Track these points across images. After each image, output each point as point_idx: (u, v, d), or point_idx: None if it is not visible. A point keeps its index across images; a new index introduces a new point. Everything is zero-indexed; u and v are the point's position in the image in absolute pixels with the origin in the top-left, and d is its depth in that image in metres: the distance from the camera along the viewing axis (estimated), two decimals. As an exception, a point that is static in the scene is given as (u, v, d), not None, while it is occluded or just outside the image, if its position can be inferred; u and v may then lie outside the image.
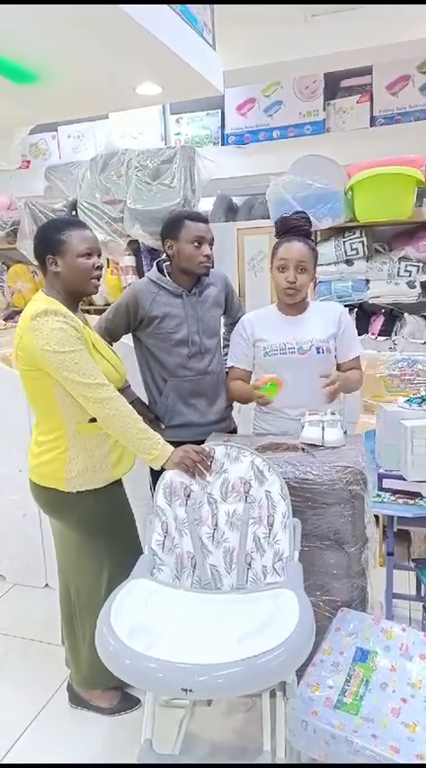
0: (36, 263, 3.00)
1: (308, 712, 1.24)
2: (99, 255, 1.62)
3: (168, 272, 1.94)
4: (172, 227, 1.89)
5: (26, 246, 3.22)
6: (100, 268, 1.61)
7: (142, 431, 1.55)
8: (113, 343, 1.98)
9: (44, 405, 1.60)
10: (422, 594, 2.14)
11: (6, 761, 1.68)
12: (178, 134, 3.81)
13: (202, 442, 1.69)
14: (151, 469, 1.93)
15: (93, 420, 1.57)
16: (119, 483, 1.75)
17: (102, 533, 1.70)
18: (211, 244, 1.90)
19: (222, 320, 2.13)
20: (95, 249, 1.60)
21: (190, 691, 1.05)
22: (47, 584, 2.57)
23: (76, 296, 1.64)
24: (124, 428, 1.53)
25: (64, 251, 1.56)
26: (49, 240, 1.57)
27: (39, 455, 1.64)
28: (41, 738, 1.76)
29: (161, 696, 1.59)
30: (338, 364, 1.92)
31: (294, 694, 1.29)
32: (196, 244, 1.85)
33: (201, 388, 1.94)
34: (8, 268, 3.57)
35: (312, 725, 1.22)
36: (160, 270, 1.95)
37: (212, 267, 1.93)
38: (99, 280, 1.62)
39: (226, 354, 2.12)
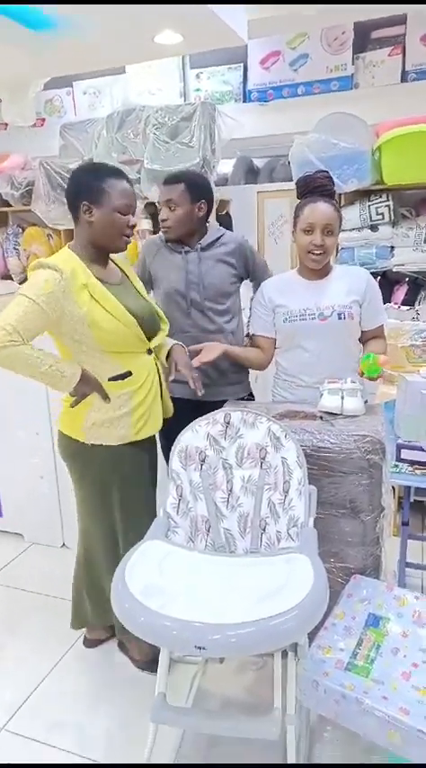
0: (50, 226, 2.89)
1: (319, 673, 1.26)
2: (134, 214, 1.57)
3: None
4: None
5: (41, 208, 3.16)
6: (133, 227, 1.57)
7: (47, 368, 1.45)
8: None
9: (68, 359, 1.59)
10: (435, 564, 2.15)
11: (24, 710, 1.74)
12: (198, 90, 3.66)
13: (207, 402, 1.68)
14: (161, 436, 1.94)
15: (114, 378, 1.57)
16: (141, 445, 1.68)
17: (114, 491, 1.67)
18: (170, 206, 1.85)
19: (250, 285, 2.09)
20: (133, 207, 1.56)
21: (204, 648, 1.07)
22: (64, 544, 2.64)
23: (103, 250, 1.59)
24: (25, 368, 1.45)
25: (102, 201, 1.50)
26: (88, 186, 1.51)
27: (66, 401, 1.64)
28: (57, 690, 1.82)
29: (175, 653, 1.63)
30: (362, 332, 1.87)
31: (305, 655, 1.31)
32: (160, 207, 1.89)
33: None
34: (23, 231, 3.52)
35: (322, 685, 1.24)
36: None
37: (172, 230, 1.88)
38: (130, 239, 1.59)
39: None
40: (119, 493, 1.68)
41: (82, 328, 1.50)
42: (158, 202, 1.88)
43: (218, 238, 1.95)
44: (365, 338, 1.88)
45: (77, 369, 1.52)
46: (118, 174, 1.54)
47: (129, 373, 1.59)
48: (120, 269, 1.71)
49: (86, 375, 1.54)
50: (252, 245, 2.06)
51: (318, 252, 1.74)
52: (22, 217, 3.55)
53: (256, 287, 2.07)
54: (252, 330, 1.94)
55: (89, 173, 1.54)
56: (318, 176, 1.81)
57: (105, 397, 1.57)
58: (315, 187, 1.78)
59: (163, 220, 1.88)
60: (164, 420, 1.76)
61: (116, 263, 1.70)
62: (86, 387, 1.54)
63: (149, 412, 1.65)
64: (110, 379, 1.57)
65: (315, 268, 1.80)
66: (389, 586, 1.50)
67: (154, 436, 1.75)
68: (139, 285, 1.74)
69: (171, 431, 1.61)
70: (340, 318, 1.78)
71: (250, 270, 2.03)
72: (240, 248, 1.98)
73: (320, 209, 1.73)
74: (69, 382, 1.50)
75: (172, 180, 1.88)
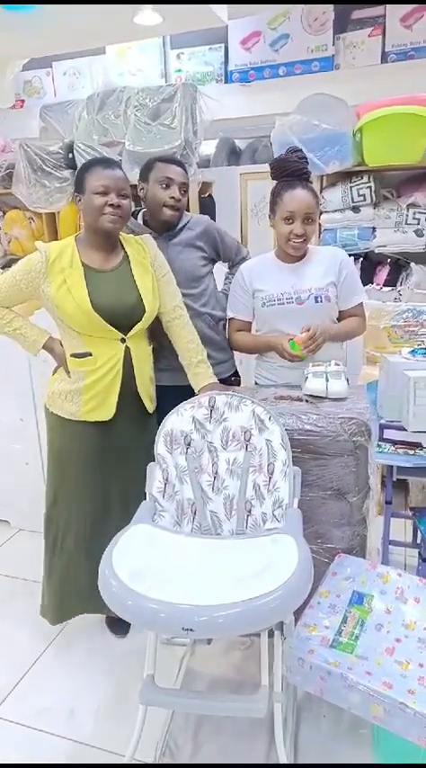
0: (32, 209, 2.93)
1: (305, 650, 1.28)
2: (123, 196, 1.63)
3: (145, 220, 1.93)
4: (144, 169, 1.88)
5: (22, 191, 3.09)
6: (116, 206, 1.62)
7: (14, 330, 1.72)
8: None
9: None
10: (418, 541, 2.19)
11: (13, 696, 1.75)
12: (179, 71, 3.60)
13: (187, 387, 1.71)
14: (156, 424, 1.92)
15: (75, 355, 1.68)
16: (90, 429, 1.71)
17: (58, 463, 1.79)
18: (183, 189, 1.85)
19: (224, 268, 2.07)
20: (113, 188, 1.62)
21: (191, 630, 1.08)
22: (50, 531, 2.63)
23: (96, 232, 1.67)
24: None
25: (84, 188, 1.64)
26: (77, 178, 1.68)
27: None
28: (46, 674, 1.83)
29: (162, 635, 1.65)
30: (340, 312, 1.88)
31: (291, 634, 1.33)
32: (163, 185, 1.83)
33: None
34: (4, 214, 3.44)
35: (308, 662, 1.26)
36: (135, 216, 1.95)
37: (180, 211, 1.87)
38: (116, 217, 1.63)
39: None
40: (61, 464, 1.79)
41: (51, 306, 1.66)
42: (170, 179, 1.82)
43: (186, 224, 1.92)
44: (342, 318, 1.88)
45: (43, 337, 1.74)
46: (102, 163, 1.67)
47: (89, 354, 1.67)
48: (128, 255, 1.72)
49: (51, 345, 1.74)
50: (219, 226, 2.02)
51: (299, 240, 1.75)
52: (3, 200, 3.47)
53: (230, 267, 2.05)
54: (232, 313, 1.93)
55: (80, 168, 1.69)
56: (293, 158, 1.78)
57: (66, 369, 1.72)
58: (291, 171, 1.76)
59: (178, 200, 1.83)
60: (157, 408, 1.79)
61: (125, 249, 1.72)
62: (52, 354, 1.74)
63: (103, 396, 1.69)
64: (71, 355, 1.70)
65: (295, 254, 1.80)
66: (373, 564, 1.52)
67: (109, 427, 1.72)
68: (142, 273, 1.71)
69: (163, 418, 1.60)
70: (316, 301, 1.78)
71: (219, 251, 2.00)
72: (207, 231, 1.95)
73: (299, 197, 1.72)
74: (31, 346, 1.74)
75: (182, 165, 1.88)
